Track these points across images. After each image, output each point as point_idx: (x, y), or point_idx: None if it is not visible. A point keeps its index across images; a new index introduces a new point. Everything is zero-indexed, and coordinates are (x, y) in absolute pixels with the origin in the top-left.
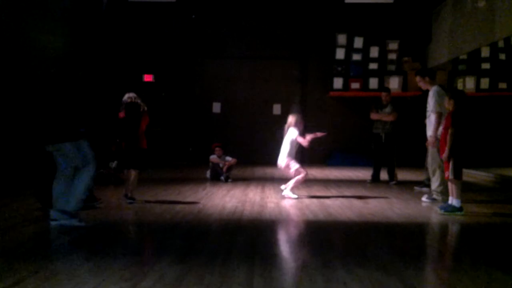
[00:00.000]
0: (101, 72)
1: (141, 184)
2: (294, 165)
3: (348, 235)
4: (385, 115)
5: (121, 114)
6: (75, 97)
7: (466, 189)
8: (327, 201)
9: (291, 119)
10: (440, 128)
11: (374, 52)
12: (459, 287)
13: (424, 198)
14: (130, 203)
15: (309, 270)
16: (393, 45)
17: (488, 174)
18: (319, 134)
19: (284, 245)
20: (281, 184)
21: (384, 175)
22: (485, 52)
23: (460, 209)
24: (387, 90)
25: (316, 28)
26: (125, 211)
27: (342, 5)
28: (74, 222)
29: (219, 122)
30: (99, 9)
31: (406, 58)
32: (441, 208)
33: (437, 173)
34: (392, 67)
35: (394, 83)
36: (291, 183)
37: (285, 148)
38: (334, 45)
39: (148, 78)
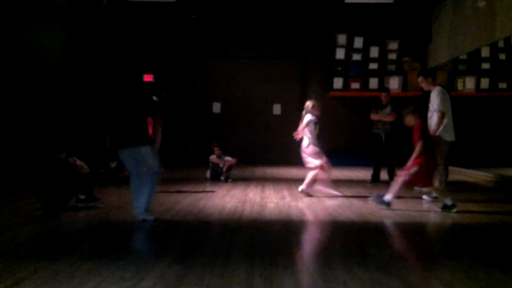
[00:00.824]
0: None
1: None
2: (314, 161)
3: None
4: (385, 115)
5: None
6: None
7: (466, 189)
8: (327, 201)
9: (307, 103)
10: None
11: (374, 52)
12: (459, 287)
13: (425, 197)
14: None
15: (309, 270)
16: (393, 45)
17: (488, 174)
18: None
19: (284, 245)
20: (281, 184)
21: (384, 175)
22: (485, 52)
23: (387, 204)
24: (387, 90)
25: (316, 28)
26: (125, 211)
27: (342, 5)
28: (146, 216)
29: (219, 122)
30: (99, 9)
31: (406, 58)
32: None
33: (437, 172)
34: (392, 67)
35: (394, 83)
36: (306, 181)
37: (306, 137)
38: (334, 45)
39: (148, 78)
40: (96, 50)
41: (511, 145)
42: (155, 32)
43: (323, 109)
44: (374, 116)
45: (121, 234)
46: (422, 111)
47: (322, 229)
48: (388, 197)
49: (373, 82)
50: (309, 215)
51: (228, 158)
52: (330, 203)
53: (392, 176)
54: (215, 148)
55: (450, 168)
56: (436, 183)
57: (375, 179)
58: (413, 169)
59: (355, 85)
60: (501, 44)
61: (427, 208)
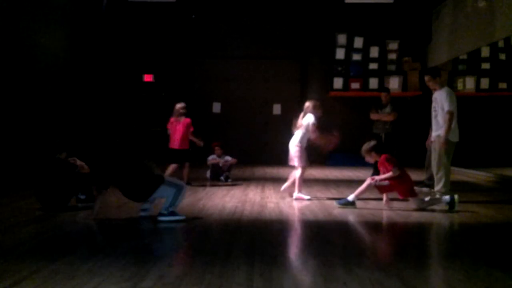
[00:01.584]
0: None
1: None
2: (299, 161)
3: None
4: (385, 115)
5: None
6: None
7: (466, 189)
8: (327, 201)
9: (308, 103)
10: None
11: (374, 52)
12: (459, 287)
13: (425, 199)
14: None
15: (309, 270)
16: (393, 45)
17: (488, 174)
18: (333, 139)
19: (284, 245)
20: (281, 184)
21: None
22: (485, 52)
23: (352, 203)
24: (387, 90)
25: (316, 28)
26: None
27: (342, 5)
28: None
29: (219, 122)
30: (99, 9)
31: (406, 58)
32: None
33: (441, 173)
34: (392, 67)
35: (394, 83)
36: (296, 186)
37: (298, 133)
38: (334, 45)
39: (148, 78)
40: (96, 50)
41: (511, 145)
42: (155, 32)
43: (323, 109)
44: (374, 116)
45: (121, 234)
46: (379, 148)
47: (322, 229)
48: (351, 197)
49: (373, 82)
50: (309, 215)
51: (228, 158)
52: (330, 203)
53: None
54: (216, 148)
55: (450, 168)
56: (439, 186)
57: None
58: (383, 182)
59: (355, 85)
60: (501, 44)
61: (428, 208)
